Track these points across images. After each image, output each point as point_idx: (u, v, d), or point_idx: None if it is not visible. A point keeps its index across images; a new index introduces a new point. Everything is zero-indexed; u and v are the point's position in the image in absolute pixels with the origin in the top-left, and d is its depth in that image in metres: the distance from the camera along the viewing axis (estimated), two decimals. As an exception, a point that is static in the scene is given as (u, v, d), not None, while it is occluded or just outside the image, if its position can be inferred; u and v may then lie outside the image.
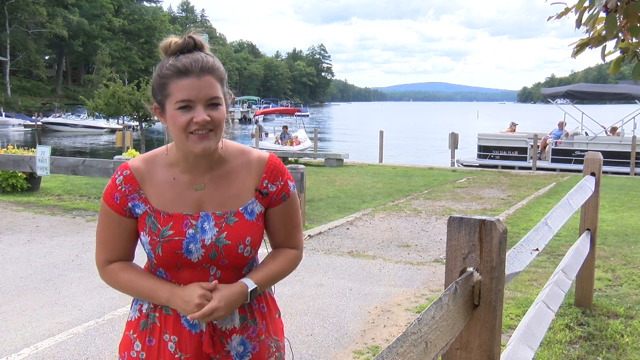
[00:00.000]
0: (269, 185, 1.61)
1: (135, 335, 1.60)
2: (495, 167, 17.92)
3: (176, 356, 1.55)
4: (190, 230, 1.52)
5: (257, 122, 27.29)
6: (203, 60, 1.48)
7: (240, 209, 1.57)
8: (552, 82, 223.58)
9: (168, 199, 1.55)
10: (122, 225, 1.57)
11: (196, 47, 1.52)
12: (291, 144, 23.41)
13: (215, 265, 1.55)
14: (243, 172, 1.60)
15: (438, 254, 6.43)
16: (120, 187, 1.56)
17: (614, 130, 18.55)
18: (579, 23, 2.58)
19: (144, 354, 1.58)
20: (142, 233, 1.56)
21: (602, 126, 19.31)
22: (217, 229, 1.54)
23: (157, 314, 1.57)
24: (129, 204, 1.55)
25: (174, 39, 1.52)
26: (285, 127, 25.46)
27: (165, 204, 1.55)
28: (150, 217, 1.54)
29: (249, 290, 1.55)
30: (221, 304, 1.49)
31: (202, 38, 1.55)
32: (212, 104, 1.48)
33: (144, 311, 1.59)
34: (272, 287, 1.73)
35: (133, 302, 1.65)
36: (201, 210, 1.56)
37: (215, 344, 1.55)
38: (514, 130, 20.30)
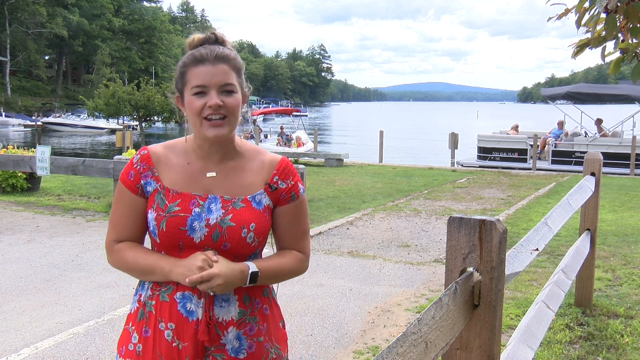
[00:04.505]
0: (279, 182, 1.66)
1: (133, 327, 1.60)
2: (495, 168, 17.91)
3: (174, 344, 1.54)
4: (197, 209, 1.56)
5: (254, 122, 27.13)
6: (219, 50, 1.58)
7: (248, 197, 1.62)
8: (552, 82, 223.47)
9: (179, 180, 1.61)
10: (133, 204, 1.61)
11: (217, 42, 1.62)
12: (298, 146, 23.35)
13: (216, 250, 1.56)
14: (255, 167, 1.66)
15: (438, 254, 6.43)
16: (135, 165, 1.62)
17: (615, 134, 18.51)
18: (579, 24, 2.58)
19: (141, 345, 1.57)
20: (149, 211, 1.59)
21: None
22: (223, 211, 1.57)
23: (153, 302, 1.57)
24: (142, 182, 1.61)
25: (197, 35, 1.63)
26: (282, 128, 25.42)
27: (176, 184, 1.60)
28: (160, 194, 1.59)
29: (250, 271, 1.55)
30: (221, 273, 1.49)
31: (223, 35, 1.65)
32: (226, 90, 1.56)
33: (142, 299, 1.60)
34: (275, 289, 1.71)
35: (134, 294, 1.66)
36: (210, 193, 1.60)
37: (210, 334, 1.54)
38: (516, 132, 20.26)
